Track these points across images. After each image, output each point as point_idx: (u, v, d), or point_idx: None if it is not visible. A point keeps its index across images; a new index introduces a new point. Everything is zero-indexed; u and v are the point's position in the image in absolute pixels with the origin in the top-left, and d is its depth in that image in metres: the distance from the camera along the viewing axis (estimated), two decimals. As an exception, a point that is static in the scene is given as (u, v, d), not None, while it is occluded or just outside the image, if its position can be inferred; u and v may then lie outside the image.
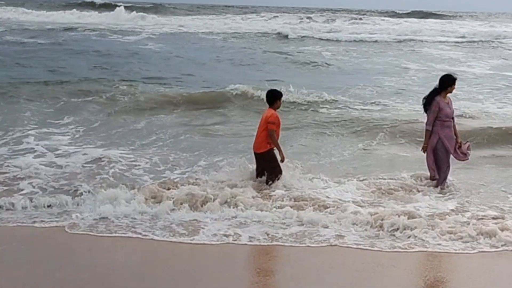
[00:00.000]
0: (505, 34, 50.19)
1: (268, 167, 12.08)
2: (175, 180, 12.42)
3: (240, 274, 8.90)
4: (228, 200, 11.23)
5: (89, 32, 46.72)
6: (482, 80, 27.08)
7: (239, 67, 30.55)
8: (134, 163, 13.87)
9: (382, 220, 10.50)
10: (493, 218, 10.74)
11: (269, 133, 11.87)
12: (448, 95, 12.61)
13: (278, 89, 12.45)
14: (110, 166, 13.51)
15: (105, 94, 20.99)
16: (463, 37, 48.25)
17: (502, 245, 9.74)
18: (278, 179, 12.02)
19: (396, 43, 43.87)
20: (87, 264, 8.90)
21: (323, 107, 19.76)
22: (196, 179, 12.43)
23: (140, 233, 10.01)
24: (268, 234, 10.02)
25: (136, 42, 41.05)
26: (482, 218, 10.71)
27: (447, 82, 12.49)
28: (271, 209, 10.97)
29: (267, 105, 12.26)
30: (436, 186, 12.50)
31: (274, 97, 12.11)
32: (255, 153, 12.19)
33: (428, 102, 12.49)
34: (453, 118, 12.67)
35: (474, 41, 45.61)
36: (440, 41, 45.47)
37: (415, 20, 64.30)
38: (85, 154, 14.47)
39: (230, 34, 48.65)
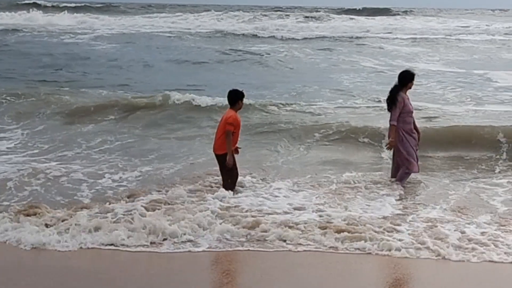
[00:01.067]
0: (457, 30, 50.33)
1: (225, 170, 11.75)
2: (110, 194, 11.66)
3: (209, 278, 8.70)
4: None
5: (36, 34, 45.47)
6: (439, 77, 26.69)
7: (189, 67, 29.64)
8: (70, 171, 13.02)
9: (340, 224, 10.18)
10: (449, 222, 10.41)
11: (225, 134, 11.54)
12: (408, 91, 12.43)
13: (239, 89, 12.00)
14: (47, 173, 12.68)
15: (48, 97, 19.88)
16: (417, 33, 48.13)
17: (459, 250, 9.35)
18: (235, 183, 11.79)
19: (350, 40, 43.43)
20: (59, 274, 8.50)
21: (274, 108, 18.92)
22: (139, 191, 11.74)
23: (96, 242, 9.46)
24: (220, 241, 9.63)
25: (85, 43, 39.83)
26: (439, 221, 10.38)
27: (407, 78, 12.35)
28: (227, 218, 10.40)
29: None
30: (400, 180, 12.30)
31: (235, 98, 11.81)
32: (215, 154, 11.86)
33: (392, 99, 12.23)
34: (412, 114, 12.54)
35: (428, 37, 45.49)
36: (395, 38, 45.24)
37: (369, 17, 64.08)
38: (18, 162, 13.61)
39: (183, 33, 47.80)
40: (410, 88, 12.38)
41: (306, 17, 60.77)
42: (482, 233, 9.92)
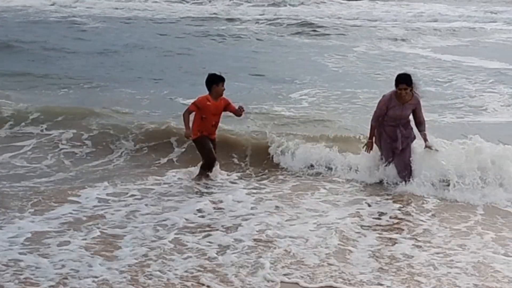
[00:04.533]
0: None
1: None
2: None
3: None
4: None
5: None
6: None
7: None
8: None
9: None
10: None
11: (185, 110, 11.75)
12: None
13: (218, 73, 11.75)
14: None
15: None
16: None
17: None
18: (209, 168, 11.71)
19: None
20: None
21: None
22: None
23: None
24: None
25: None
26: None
27: (395, 80, 11.49)
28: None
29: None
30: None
31: (208, 83, 11.69)
32: None
33: None
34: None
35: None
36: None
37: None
38: None
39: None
40: (400, 93, 11.31)
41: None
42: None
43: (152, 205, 10.31)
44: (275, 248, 8.67)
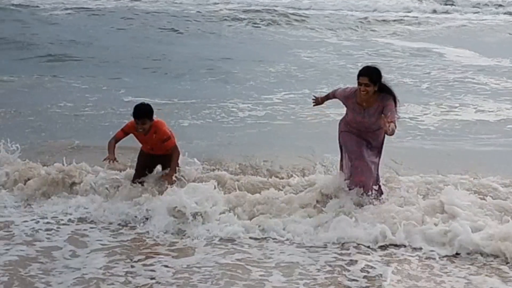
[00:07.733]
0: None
1: None
2: None
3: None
4: None
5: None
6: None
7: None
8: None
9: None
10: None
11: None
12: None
13: (145, 104, 9.60)
14: None
15: None
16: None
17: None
18: (133, 181, 9.98)
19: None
20: None
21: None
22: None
23: None
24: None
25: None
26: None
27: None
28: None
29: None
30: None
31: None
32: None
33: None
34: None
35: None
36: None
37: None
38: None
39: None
40: (360, 89, 8.76)
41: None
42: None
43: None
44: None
